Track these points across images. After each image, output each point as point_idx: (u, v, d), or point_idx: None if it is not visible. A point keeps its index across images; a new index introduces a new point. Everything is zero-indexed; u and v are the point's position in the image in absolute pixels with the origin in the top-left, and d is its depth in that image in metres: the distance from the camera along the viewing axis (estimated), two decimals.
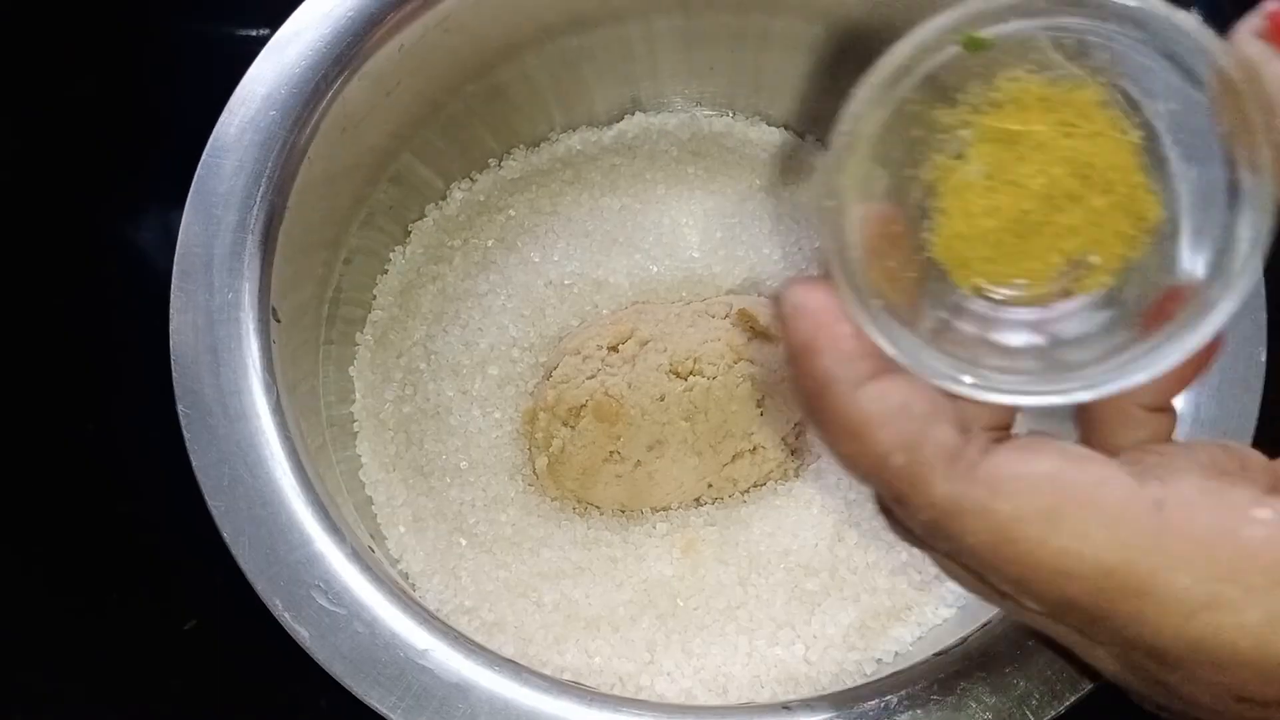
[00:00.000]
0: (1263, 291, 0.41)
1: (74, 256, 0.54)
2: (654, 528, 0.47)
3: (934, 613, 0.45)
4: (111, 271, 0.54)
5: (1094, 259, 0.25)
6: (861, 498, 0.47)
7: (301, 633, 0.36)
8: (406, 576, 0.46)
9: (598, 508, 0.48)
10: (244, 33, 0.45)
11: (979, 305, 0.26)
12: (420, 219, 0.54)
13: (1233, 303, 0.23)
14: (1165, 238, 0.24)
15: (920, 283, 0.26)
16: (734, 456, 0.47)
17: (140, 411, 0.45)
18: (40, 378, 0.53)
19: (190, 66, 0.55)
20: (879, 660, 0.44)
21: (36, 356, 0.53)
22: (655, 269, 0.52)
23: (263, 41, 0.45)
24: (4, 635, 0.48)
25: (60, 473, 0.51)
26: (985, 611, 0.39)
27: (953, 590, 0.47)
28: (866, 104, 0.24)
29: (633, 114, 0.57)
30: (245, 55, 0.44)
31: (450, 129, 0.52)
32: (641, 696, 0.43)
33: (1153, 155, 0.24)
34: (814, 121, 0.56)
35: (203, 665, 0.48)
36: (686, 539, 0.47)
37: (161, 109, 0.55)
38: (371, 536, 0.46)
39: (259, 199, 0.43)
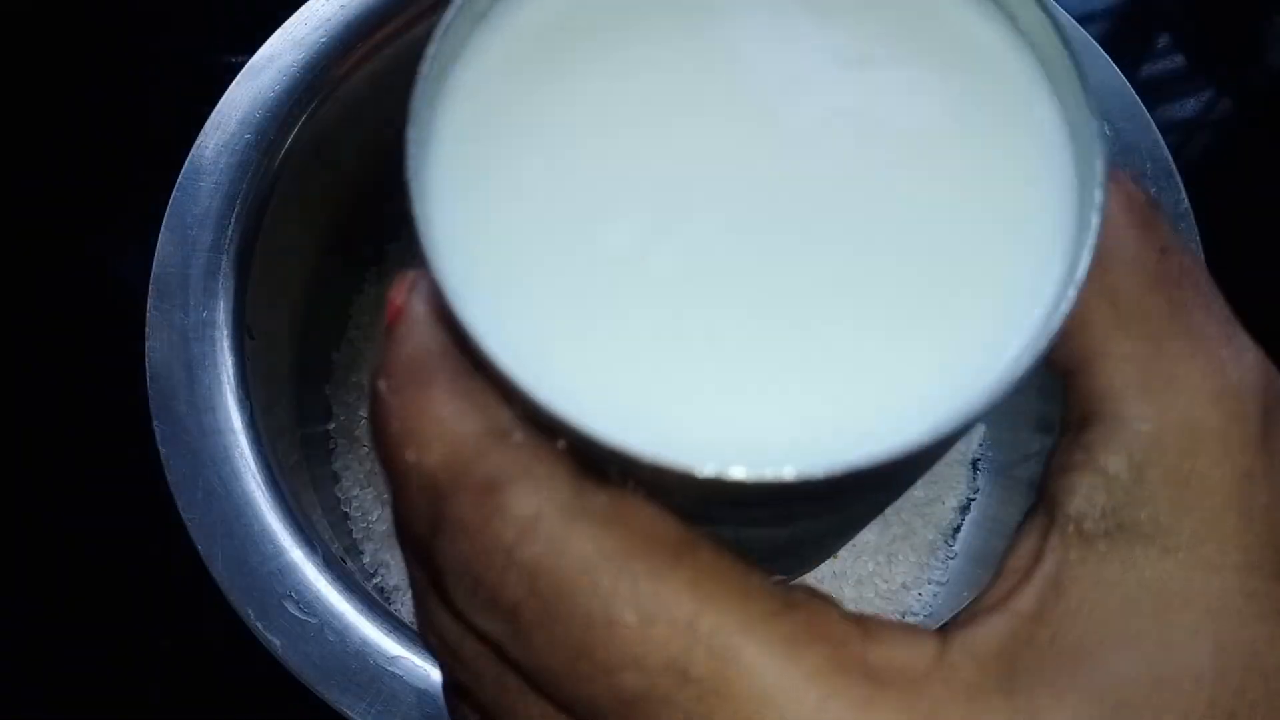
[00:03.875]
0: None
1: (48, 275, 0.55)
2: None
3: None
4: (86, 290, 0.54)
5: None
6: None
7: (273, 642, 0.36)
8: (382, 591, 0.47)
9: None
10: (219, 57, 0.45)
11: None
12: (394, 239, 0.54)
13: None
14: None
15: None
16: None
17: (115, 428, 0.46)
18: (12, 396, 0.53)
19: (164, 89, 0.56)
20: None
21: (8, 375, 0.54)
22: None
23: (238, 66, 0.45)
24: None
25: (33, 487, 0.51)
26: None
27: (920, 599, 0.48)
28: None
29: None
30: (220, 79, 0.45)
31: None
32: None
33: None
34: None
35: (179, 676, 0.48)
36: None
37: (136, 131, 0.55)
38: (347, 551, 0.46)
39: (234, 220, 0.43)
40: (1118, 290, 0.21)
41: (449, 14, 0.20)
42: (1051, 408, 0.46)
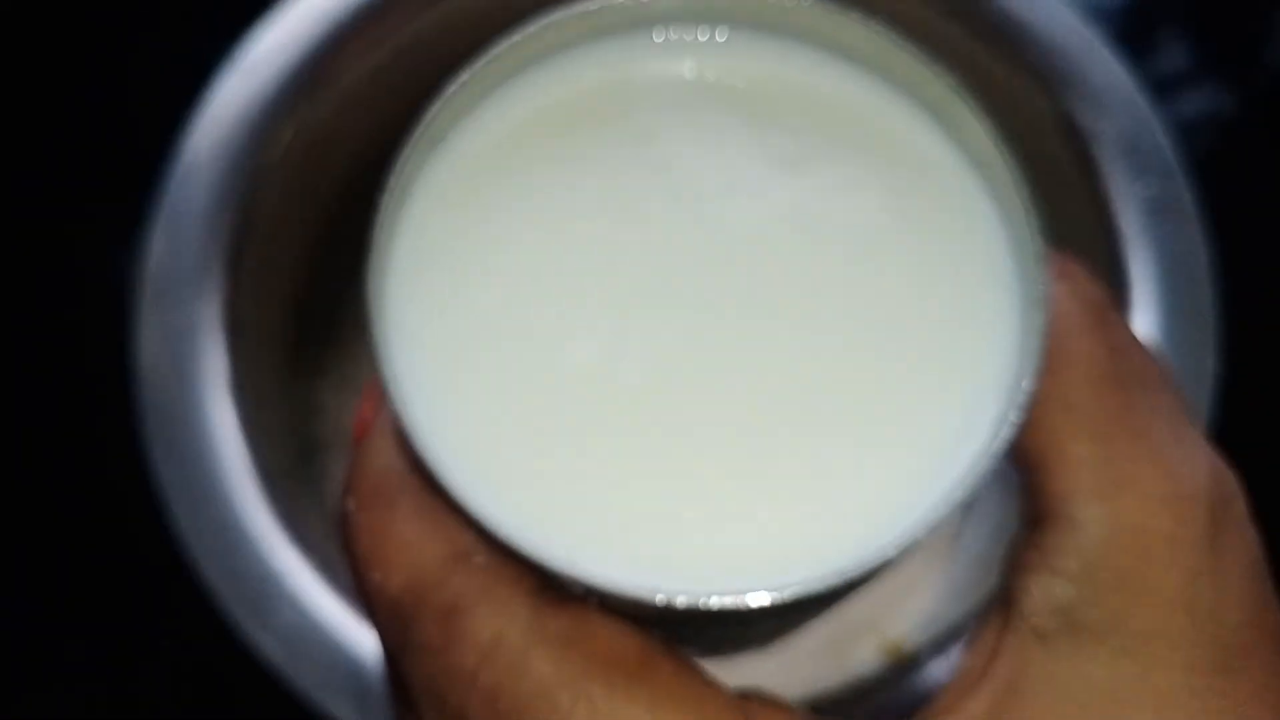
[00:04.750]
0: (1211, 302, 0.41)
1: (31, 272, 0.55)
2: None
3: None
4: (71, 288, 0.54)
5: None
6: None
7: (265, 645, 0.36)
8: None
9: None
10: (206, 54, 0.45)
11: None
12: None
13: None
14: None
15: None
16: None
17: (101, 428, 0.45)
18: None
19: (150, 86, 0.55)
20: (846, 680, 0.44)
21: None
22: None
23: (226, 63, 0.45)
24: None
25: (16, 489, 0.51)
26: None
27: (920, 610, 0.47)
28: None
29: None
30: (208, 76, 0.45)
31: None
32: None
33: None
34: None
35: (168, 681, 0.48)
36: None
37: (121, 128, 0.55)
38: (340, 554, 0.46)
39: (228, 218, 0.43)
40: (1070, 392, 0.21)
41: (407, 148, 0.22)
42: None
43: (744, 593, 0.18)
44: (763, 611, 0.19)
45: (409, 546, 0.20)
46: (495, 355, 0.21)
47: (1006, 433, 0.19)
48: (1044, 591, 0.21)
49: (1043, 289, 0.20)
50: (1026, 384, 0.19)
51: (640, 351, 0.21)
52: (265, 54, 0.45)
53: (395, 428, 0.21)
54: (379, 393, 0.21)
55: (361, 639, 0.36)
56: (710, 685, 0.20)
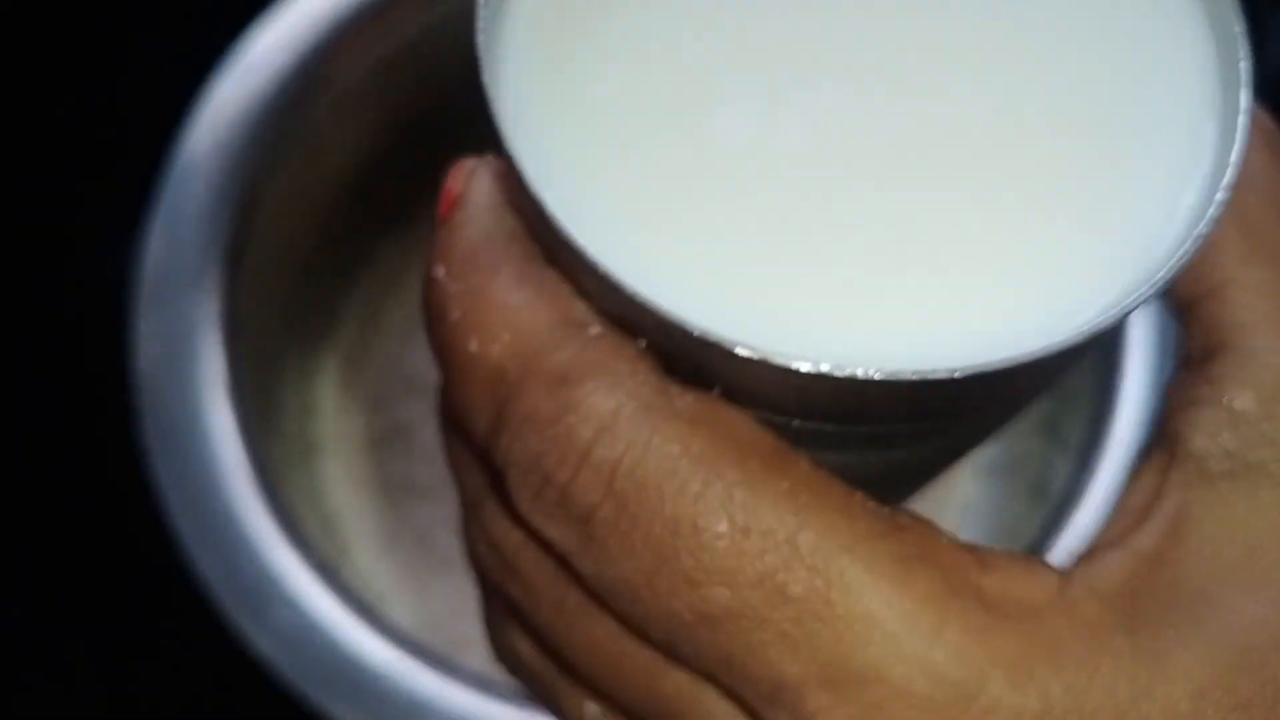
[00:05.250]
0: None
1: (29, 273, 0.54)
2: None
3: None
4: (68, 288, 0.54)
5: None
6: None
7: (263, 646, 0.36)
8: (373, 593, 0.46)
9: None
10: (203, 53, 0.45)
11: None
12: (387, 237, 0.54)
13: None
14: None
15: None
16: None
17: (100, 429, 0.45)
18: None
19: (146, 86, 0.55)
20: None
21: None
22: None
23: (223, 63, 0.45)
24: None
25: (14, 490, 0.51)
26: None
27: None
28: None
29: None
30: (205, 76, 0.45)
31: (417, 147, 0.52)
32: None
33: None
34: None
35: (165, 681, 0.48)
36: None
37: (117, 128, 0.55)
38: (339, 554, 0.46)
39: (226, 218, 0.43)
40: (1249, 216, 0.19)
41: None
42: (1055, 409, 0.45)
43: (924, 365, 0.16)
44: (927, 396, 0.16)
45: (515, 310, 0.17)
46: (630, 119, 0.18)
47: (1213, 213, 0.17)
48: (1214, 429, 0.19)
49: (1244, 67, 0.18)
50: (1235, 157, 0.17)
51: (799, 114, 0.18)
52: (263, 53, 0.45)
53: (503, 187, 0.18)
54: (471, 166, 0.19)
55: (361, 641, 0.36)
56: (852, 488, 0.17)
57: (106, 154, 0.56)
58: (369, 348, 0.52)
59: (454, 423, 0.19)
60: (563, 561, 0.18)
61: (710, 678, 0.17)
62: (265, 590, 0.37)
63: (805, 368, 0.16)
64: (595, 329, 0.17)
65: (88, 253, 0.55)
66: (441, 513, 0.48)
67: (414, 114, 0.51)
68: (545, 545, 0.18)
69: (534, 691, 0.21)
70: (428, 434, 0.49)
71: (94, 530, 0.50)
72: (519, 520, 0.18)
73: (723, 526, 0.16)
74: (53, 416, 0.52)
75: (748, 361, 0.16)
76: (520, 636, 0.20)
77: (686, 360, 0.17)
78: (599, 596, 0.18)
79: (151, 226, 0.42)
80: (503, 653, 0.22)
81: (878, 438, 0.19)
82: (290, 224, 0.47)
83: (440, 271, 0.18)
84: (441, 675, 0.36)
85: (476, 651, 0.44)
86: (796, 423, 0.18)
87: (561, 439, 0.17)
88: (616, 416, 0.17)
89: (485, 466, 0.19)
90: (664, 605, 0.17)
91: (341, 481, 0.49)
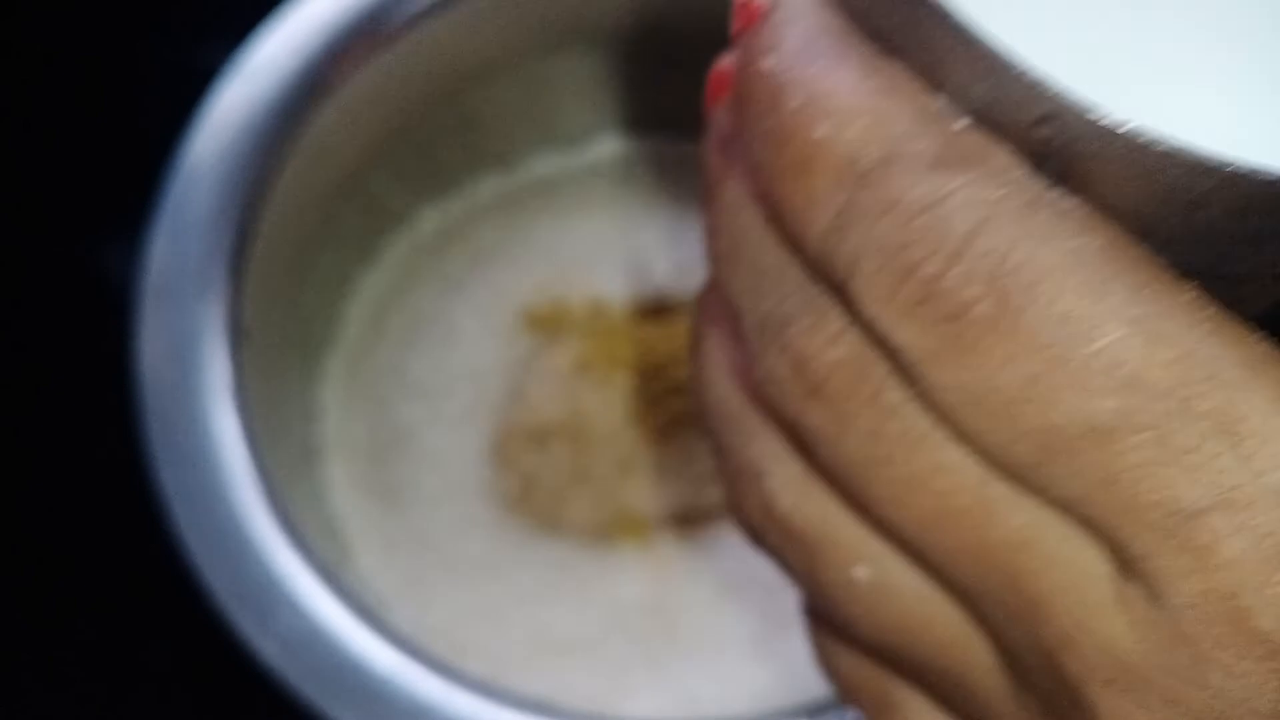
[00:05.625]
0: None
1: (33, 277, 0.55)
2: (625, 549, 0.47)
3: None
4: (71, 293, 0.54)
5: None
6: None
7: (266, 650, 0.36)
8: (376, 598, 0.46)
9: (569, 530, 0.48)
10: (208, 58, 0.45)
11: None
12: (391, 241, 0.54)
13: None
14: None
15: None
16: (708, 477, 0.48)
17: (103, 433, 0.45)
18: None
19: (150, 90, 0.55)
20: None
21: None
22: (628, 291, 0.52)
23: (228, 67, 0.45)
24: None
25: (16, 493, 0.51)
26: None
27: None
28: None
29: (607, 137, 0.57)
30: (210, 80, 0.45)
31: (421, 152, 0.53)
32: (611, 715, 0.43)
33: None
34: None
35: (168, 685, 0.48)
36: (658, 559, 0.47)
37: (122, 132, 0.55)
38: (341, 558, 0.46)
39: (231, 223, 0.43)
40: None
41: None
42: None
43: None
44: None
45: (871, 95, 0.16)
46: None
47: None
48: None
49: None
50: None
51: None
52: (268, 60, 0.45)
53: (810, 1, 0.16)
54: None
55: (365, 645, 0.36)
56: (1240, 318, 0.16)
57: (111, 159, 0.56)
58: (372, 352, 0.52)
59: (786, 220, 0.17)
60: (908, 371, 0.16)
61: (1072, 508, 0.15)
62: (268, 595, 0.37)
63: (1247, 167, 0.13)
64: (962, 122, 0.16)
65: (92, 257, 0.55)
66: (443, 516, 0.48)
67: (417, 120, 0.51)
68: (891, 354, 0.16)
69: (779, 555, 0.20)
70: (431, 438, 0.49)
71: (97, 535, 0.50)
72: (855, 327, 0.16)
73: (1126, 330, 0.15)
74: (56, 421, 0.52)
75: (1145, 162, 0.14)
76: (786, 484, 0.18)
77: (1054, 163, 0.15)
78: (947, 415, 0.15)
79: (156, 231, 0.42)
80: (752, 509, 0.19)
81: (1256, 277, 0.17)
82: (294, 229, 0.47)
83: (771, 62, 0.16)
84: (445, 680, 0.36)
85: (480, 656, 0.44)
86: (1179, 240, 0.16)
87: (935, 228, 0.15)
88: (1000, 206, 0.15)
89: (809, 276, 0.17)
90: (1043, 418, 0.15)
91: (344, 486, 0.49)
